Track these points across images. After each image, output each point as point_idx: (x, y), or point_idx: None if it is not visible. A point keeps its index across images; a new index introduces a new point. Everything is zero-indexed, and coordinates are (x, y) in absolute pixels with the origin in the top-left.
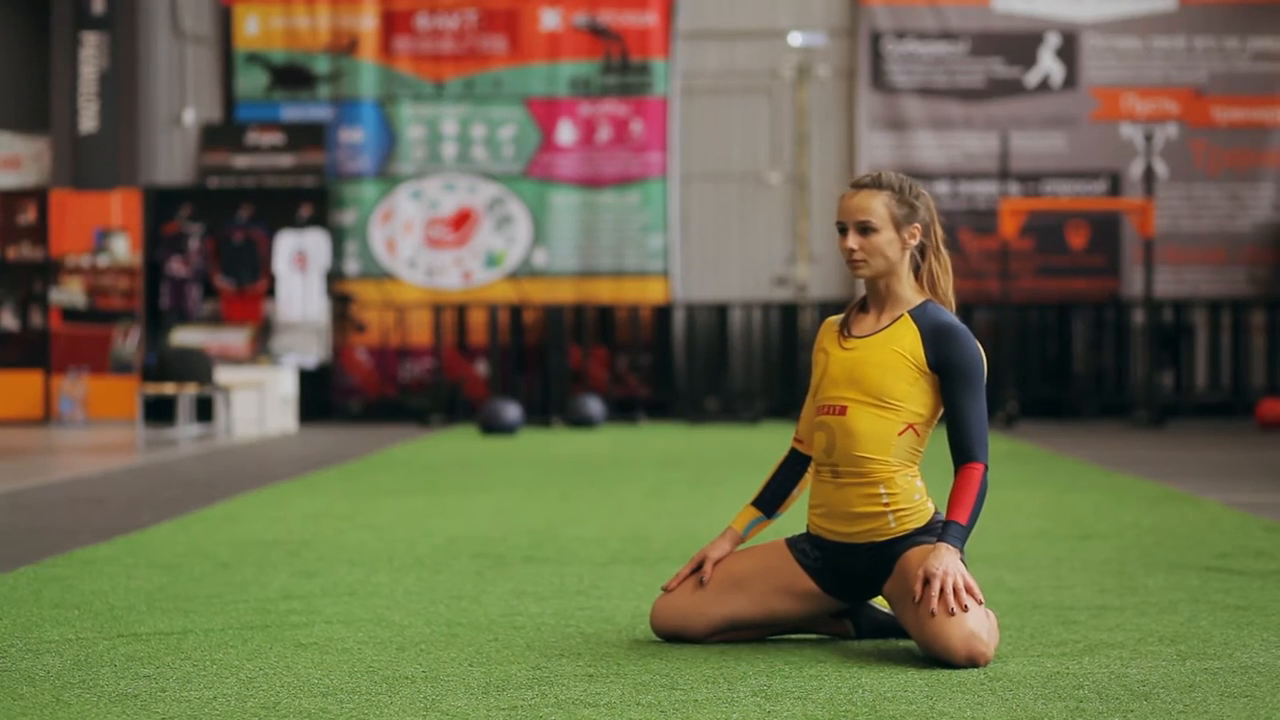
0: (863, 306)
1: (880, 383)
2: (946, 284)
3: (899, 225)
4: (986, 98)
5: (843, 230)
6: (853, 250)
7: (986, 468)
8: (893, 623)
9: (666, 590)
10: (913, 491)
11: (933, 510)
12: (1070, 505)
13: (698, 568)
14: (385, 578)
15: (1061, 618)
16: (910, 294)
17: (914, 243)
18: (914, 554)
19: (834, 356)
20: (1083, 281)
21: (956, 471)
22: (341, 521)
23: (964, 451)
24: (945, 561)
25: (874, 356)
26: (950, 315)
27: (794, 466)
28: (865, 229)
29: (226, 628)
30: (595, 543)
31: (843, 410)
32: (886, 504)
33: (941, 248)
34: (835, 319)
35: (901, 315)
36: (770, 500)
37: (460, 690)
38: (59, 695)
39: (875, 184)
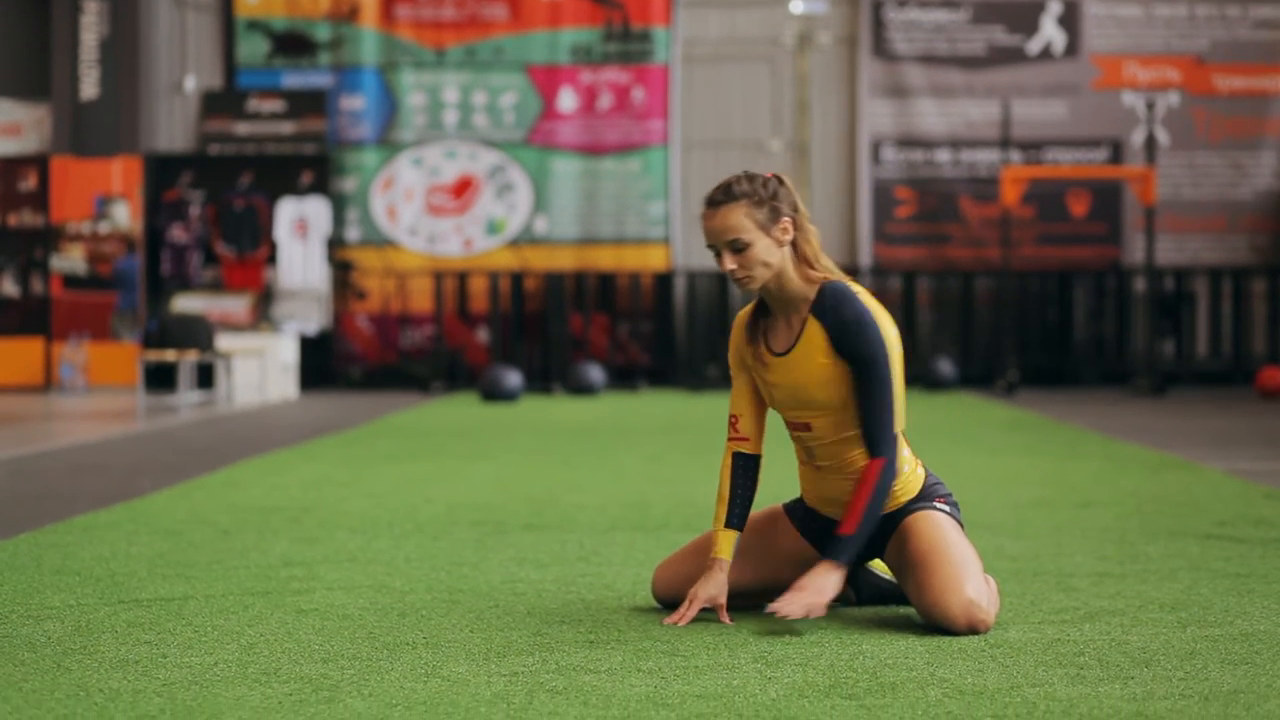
0: (764, 309)
1: (826, 396)
2: (818, 252)
3: (767, 229)
4: (988, 65)
5: (716, 252)
6: (733, 270)
7: (887, 462)
8: (893, 589)
9: (668, 624)
10: (901, 464)
11: (924, 476)
12: (1071, 473)
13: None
14: (386, 544)
15: (1062, 585)
16: (803, 285)
17: (788, 238)
18: (912, 522)
19: (769, 381)
20: (1084, 249)
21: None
22: (342, 488)
23: (868, 446)
24: (816, 583)
25: (804, 375)
26: (847, 297)
27: (747, 473)
28: (737, 246)
29: (227, 594)
30: (596, 509)
31: (808, 426)
32: None
33: (806, 224)
34: (745, 319)
35: (807, 318)
36: (739, 517)
37: (461, 656)
38: (60, 661)
39: (729, 197)
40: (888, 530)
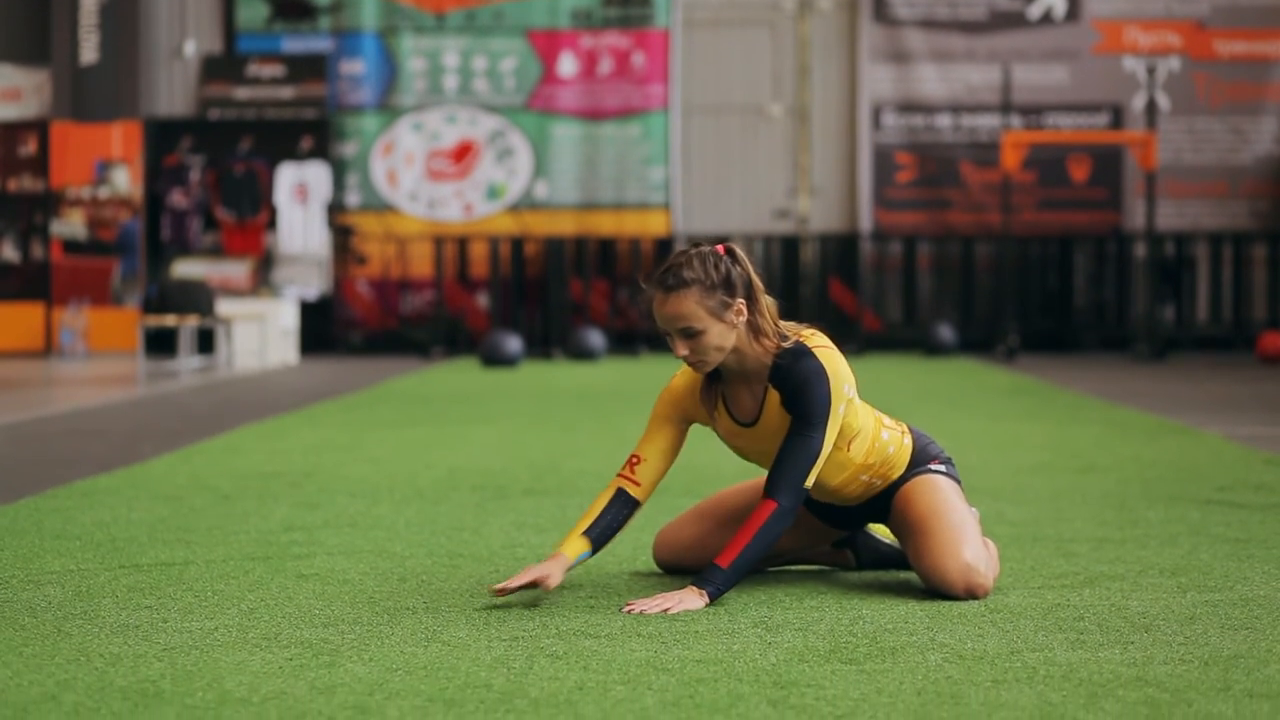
0: (717, 373)
1: None
2: (774, 321)
3: (720, 315)
4: (988, 30)
5: (668, 335)
6: (686, 356)
7: (780, 509)
8: (893, 554)
9: (493, 592)
10: (884, 449)
11: (910, 446)
12: (1071, 438)
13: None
14: (386, 509)
15: (1062, 550)
16: (760, 356)
17: (742, 320)
18: (909, 489)
19: (738, 446)
20: (1084, 215)
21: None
22: (342, 453)
23: (769, 485)
24: (677, 596)
25: (776, 442)
26: (798, 361)
27: (623, 509)
28: (689, 334)
29: (228, 559)
30: (596, 474)
31: None
32: (868, 479)
33: (760, 296)
34: (697, 383)
35: (767, 386)
36: (600, 537)
37: (461, 621)
38: (60, 626)
39: (680, 284)
40: (887, 499)
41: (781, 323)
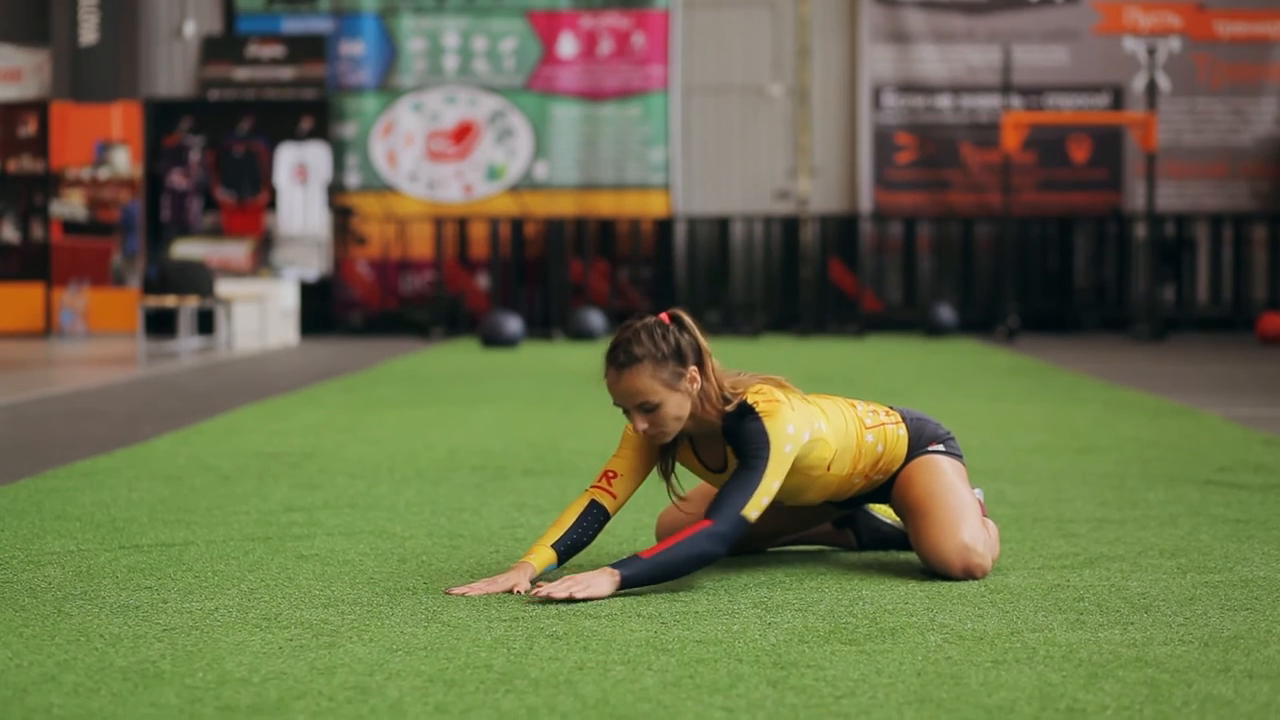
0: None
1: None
2: (724, 381)
3: (674, 385)
4: (989, 10)
5: (625, 410)
6: (645, 429)
7: (713, 530)
8: (895, 534)
9: (449, 593)
10: (872, 452)
11: (906, 437)
12: (1071, 419)
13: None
14: (386, 490)
15: (1062, 530)
16: (716, 416)
17: (696, 386)
18: (909, 471)
19: (711, 484)
20: (1084, 195)
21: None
22: (342, 434)
23: (711, 506)
24: (587, 577)
25: None
26: (740, 418)
27: (594, 522)
28: (646, 408)
29: (228, 539)
30: (596, 455)
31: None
32: (865, 481)
33: (709, 361)
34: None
35: (724, 444)
36: (567, 551)
37: (461, 601)
38: (60, 606)
39: (630, 360)
40: (889, 482)
41: (732, 378)
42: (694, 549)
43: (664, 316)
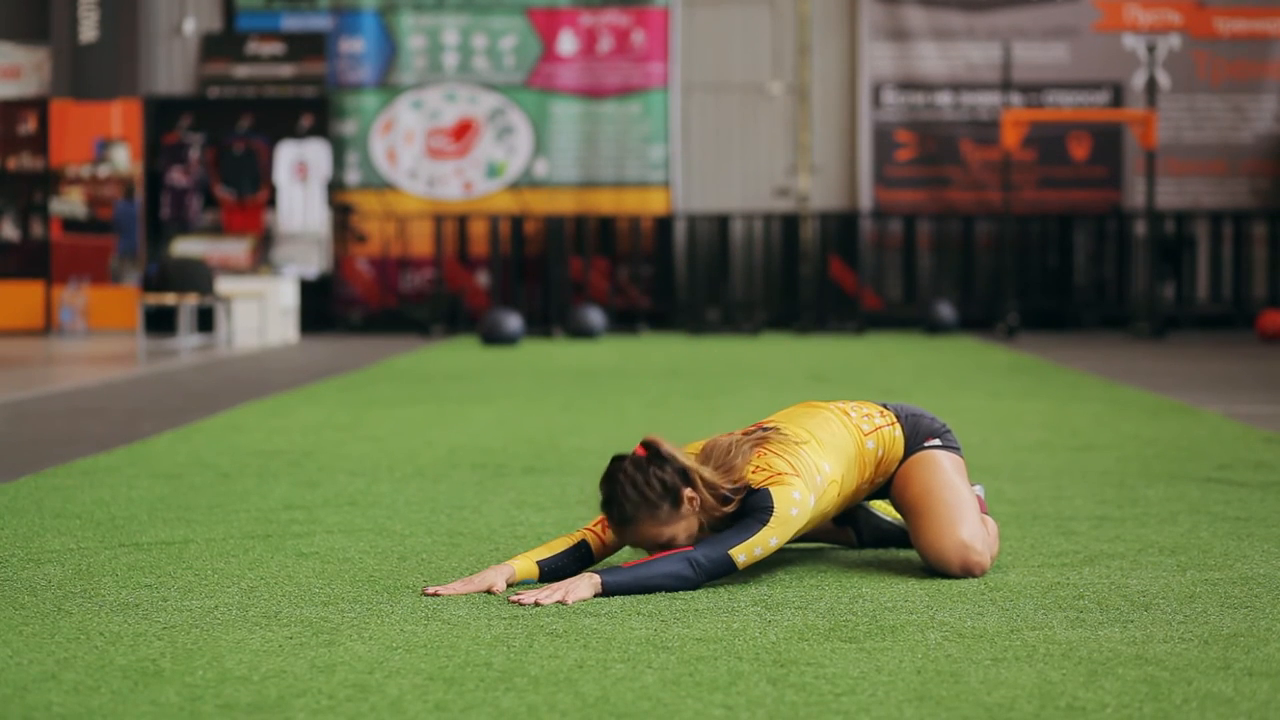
0: None
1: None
2: (721, 487)
3: (676, 517)
4: (989, 8)
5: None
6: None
7: (693, 557)
8: (895, 531)
9: (426, 593)
10: (873, 457)
11: (902, 437)
12: (1071, 416)
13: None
14: (386, 488)
15: (1062, 528)
16: (722, 512)
17: (697, 504)
18: (907, 468)
19: None
20: (1084, 193)
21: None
22: (342, 432)
23: (700, 541)
24: (569, 583)
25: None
26: (747, 498)
27: (578, 561)
28: (660, 545)
29: (228, 537)
30: (596, 453)
31: None
32: (869, 485)
33: (696, 475)
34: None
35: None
36: (549, 575)
37: (461, 599)
38: (60, 604)
39: (626, 519)
40: (888, 480)
41: (726, 468)
42: (669, 567)
43: (640, 450)
